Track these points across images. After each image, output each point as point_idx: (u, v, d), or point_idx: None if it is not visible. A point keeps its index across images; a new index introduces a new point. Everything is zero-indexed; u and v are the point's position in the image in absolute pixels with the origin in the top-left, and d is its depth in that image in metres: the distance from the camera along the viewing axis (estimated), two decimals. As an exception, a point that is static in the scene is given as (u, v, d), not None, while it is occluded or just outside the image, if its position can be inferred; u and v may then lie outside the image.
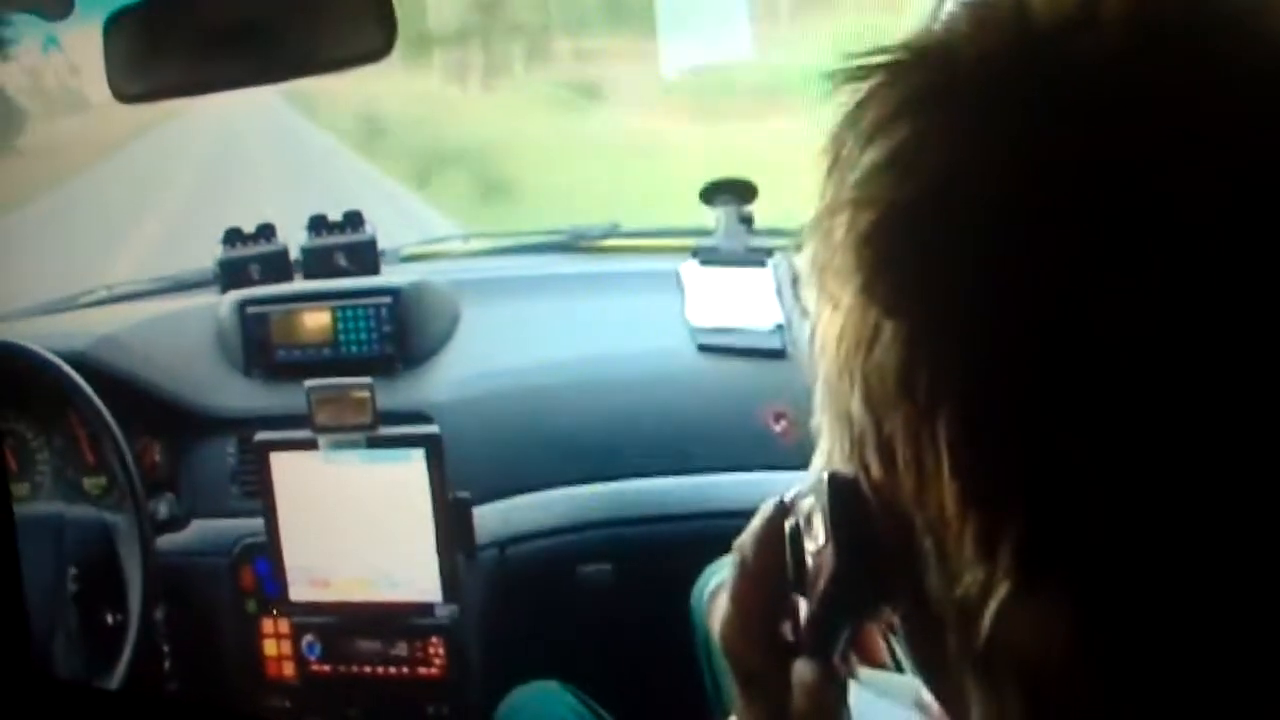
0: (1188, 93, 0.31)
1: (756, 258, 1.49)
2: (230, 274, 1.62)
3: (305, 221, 1.64)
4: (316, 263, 1.62)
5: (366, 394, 1.38)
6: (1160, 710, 0.31)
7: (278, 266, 1.63)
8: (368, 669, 1.43)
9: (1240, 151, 0.30)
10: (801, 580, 0.40)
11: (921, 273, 0.32)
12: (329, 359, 1.52)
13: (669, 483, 1.40)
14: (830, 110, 0.36)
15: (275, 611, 1.45)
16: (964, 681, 0.35)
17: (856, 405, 0.35)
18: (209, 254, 1.66)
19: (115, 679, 1.41)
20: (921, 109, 0.33)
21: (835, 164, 0.36)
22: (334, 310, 1.53)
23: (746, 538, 0.44)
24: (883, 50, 0.35)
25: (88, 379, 1.44)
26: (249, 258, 1.62)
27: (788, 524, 0.41)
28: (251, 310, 1.55)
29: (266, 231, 1.65)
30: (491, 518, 1.40)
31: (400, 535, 1.39)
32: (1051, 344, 0.30)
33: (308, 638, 1.45)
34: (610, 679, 1.27)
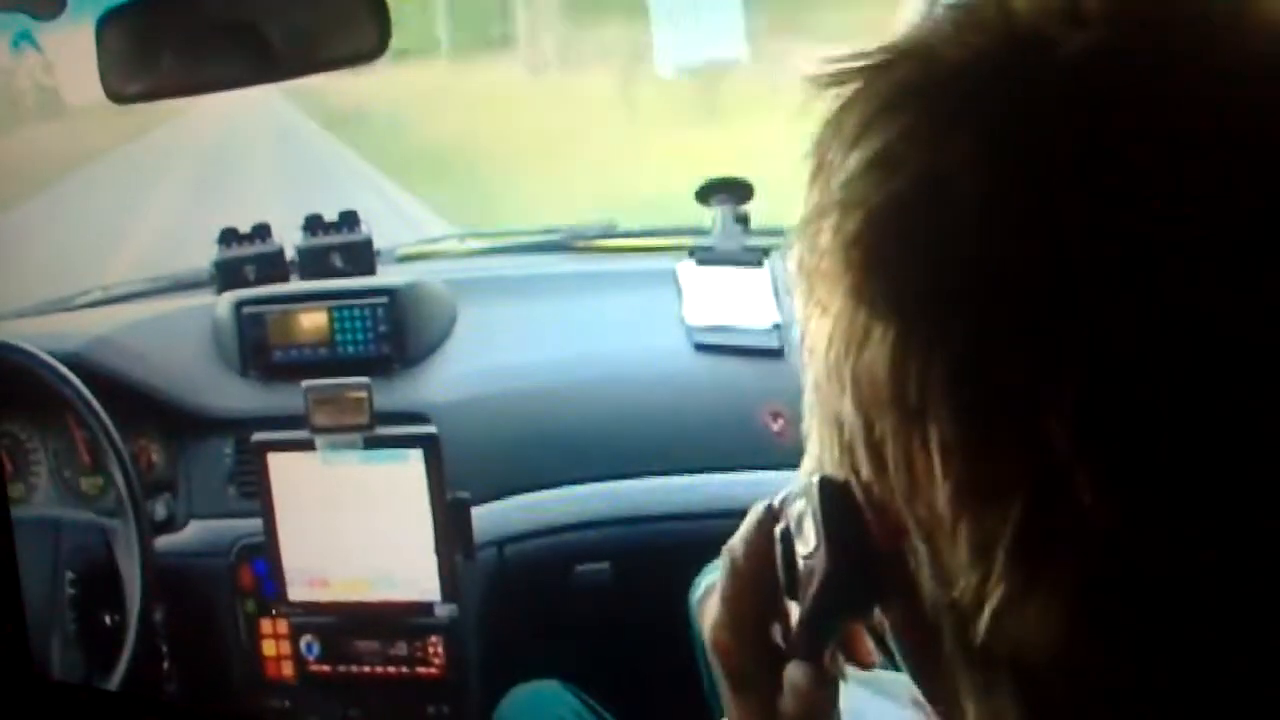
0: (1171, 91, 0.31)
1: (753, 257, 1.49)
2: (226, 274, 1.62)
3: (301, 221, 1.63)
4: (312, 263, 1.61)
5: (364, 394, 1.38)
6: (1159, 710, 0.31)
7: (274, 266, 1.62)
8: (367, 669, 1.43)
9: (1224, 148, 0.30)
10: (793, 584, 0.40)
11: (909, 273, 0.32)
12: (326, 359, 1.52)
13: (667, 482, 1.40)
14: (821, 110, 0.36)
15: (274, 612, 1.45)
16: (959, 682, 0.35)
17: (847, 408, 0.34)
18: (205, 254, 1.65)
19: (114, 680, 1.41)
20: (905, 109, 0.33)
21: (819, 169, 0.35)
22: (330, 310, 1.52)
23: (736, 541, 0.43)
24: (865, 54, 0.35)
25: (84, 380, 1.44)
26: (245, 258, 1.62)
27: (778, 528, 0.41)
28: (248, 310, 1.55)
29: (262, 231, 1.64)
30: (490, 517, 1.40)
31: (399, 535, 1.39)
32: (1041, 342, 0.30)
33: (306, 638, 1.45)
34: (609, 678, 1.27)
